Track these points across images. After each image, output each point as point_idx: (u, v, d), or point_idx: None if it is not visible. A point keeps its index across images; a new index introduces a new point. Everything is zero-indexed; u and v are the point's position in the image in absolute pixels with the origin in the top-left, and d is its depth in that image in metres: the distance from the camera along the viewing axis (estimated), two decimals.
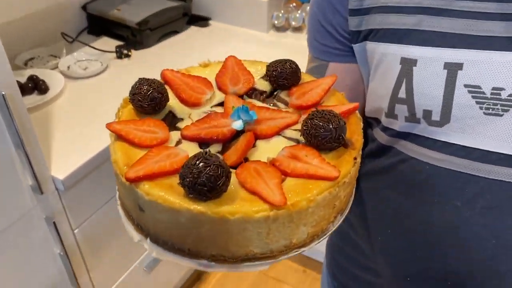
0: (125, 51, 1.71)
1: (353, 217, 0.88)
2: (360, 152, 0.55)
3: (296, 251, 0.52)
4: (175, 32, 1.92)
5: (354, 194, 0.77)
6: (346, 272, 0.95)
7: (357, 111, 0.60)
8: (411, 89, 0.65)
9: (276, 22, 1.90)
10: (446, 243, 0.71)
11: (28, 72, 1.49)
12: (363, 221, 0.85)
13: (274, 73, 0.62)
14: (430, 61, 0.64)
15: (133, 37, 1.78)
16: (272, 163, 0.53)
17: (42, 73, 1.50)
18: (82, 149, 1.22)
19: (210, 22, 2.03)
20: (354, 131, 0.56)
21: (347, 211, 0.56)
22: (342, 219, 0.55)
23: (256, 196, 0.48)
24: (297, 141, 0.56)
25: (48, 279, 1.20)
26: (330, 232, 0.54)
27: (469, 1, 0.61)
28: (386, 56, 0.67)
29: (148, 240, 0.53)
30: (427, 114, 0.65)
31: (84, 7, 1.86)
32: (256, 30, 1.95)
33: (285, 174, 0.51)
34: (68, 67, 1.64)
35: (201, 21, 2.02)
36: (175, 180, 0.49)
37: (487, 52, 0.60)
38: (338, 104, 0.60)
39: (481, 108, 0.62)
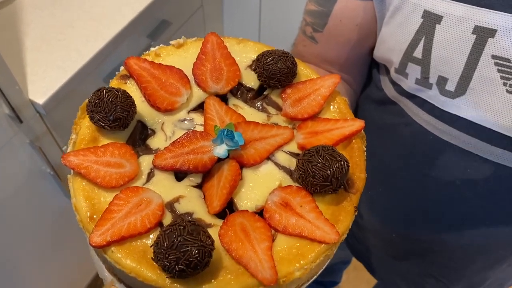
0: None
1: None
2: (360, 194, 0.47)
3: None
4: None
5: None
6: None
7: (362, 131, 0.50)
8: (429, 50, 0.57)
9: None
10: (438, 215, 0.70)
11: None
12: None
13: (265, 73, 0.51)
14: (458, 21, 0.54)
15: None
16: (261, 210, 0.46)
17: None
18: (60, 64, 1.01)
19: None
20: (357, 165, 0.48)
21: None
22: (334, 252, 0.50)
23: (243, 267, 0.42)
24: (290, 172, 0.48)
25: (45, 195, 1.17)
26: (318, 274, 0.50)
27: None
28: (407, 4, 0.56)
29: (122, 285, 0.48)
30: (442, 81, 0.57)
31: None
32: None
33: (275, 230, 0.45)
34: None
35: None
36: (147, 242, 0.43)
37: None
38: (339, 119, 0.50)
39: (505, 84, 0.54)
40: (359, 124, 0.49)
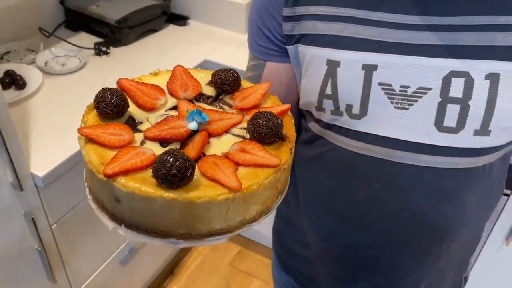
0: (104, 48, 1.73)
1: (291, 200, 1.00)
2: (294, 144, 0.67)
3: (248, 226, 0.64)
4: (154, 30, 1.97)
5: (291, 180, 0.89)
6: (288, 251, 1.09)
7: (289, 111, 0.72)
8: (336, 86, 0.75)
9: None
10: (368, 218, 0.84)
11: (5, 66, 1.49)
12: (298, 202, 0.97)
13: (219, 80, 0.73)
14: (351, 63, 0.73)
15: (112, 34, 1.80)
16: (226, 156, 0.64)
17: (19, 68, 1.51)
18: (61, 146, 1.24)
19: (189, 21, 2.08)
20: (288, 128, 0.69)
21: (285, 192, 0.69)
22: (282, 198, 0.68)
23: (216, 182, 0.59)
24: (243, 137, 0.68)
25: (25, 272, 1.23)
26: (273, 209, 0.66)
27: (383, 13, 0.71)
28: (315, 58, 0.77)
29: (123, 226, 0.62)
30: (349, 108, 0.75)
31: (62, 2, 1.87)
32: (234, 31, 2.01)
33: (237, 164, 0.62)
34: (46, 63, 1.65)
35: (180, 20, 2.06)
36: (145, 174, 0.59)
37: (396, 56, 0.70)
38: (273, 105, 0.72)
39: (391, 102, 0.72)
40: (287, 106, 0.71)
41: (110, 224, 0.63)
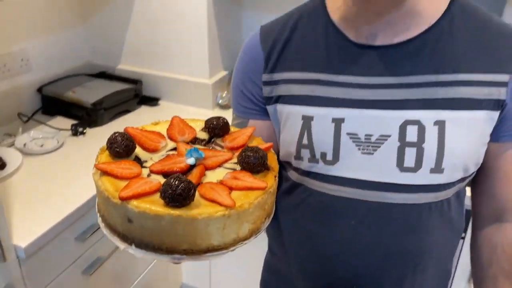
0: (80, 129, 1.88)
1: (276, 248, 1.09)
2: (277, 173, 0.79)
3: (241, 244, 0.74)
4: (127, 111, 2.14)
5: (276, 228, 0.97)
6: None
7: (271, 149, 0.85)
8: (311, 137, 0.86)
9: (220, 101, 2.20)
10: (348, 254, 0.92)
11: None
12: (284, 249, 1.06)
13: (212, 125, 0.86)
14: (322, 117, 0.85)
15: (87, 116, 1.96)
16: (221, 182, 0.75)
17: None
18: (41, 219, 1.35)
19: (160, 102, 2.27)
20: (272, 160, 0.81)
21: (272, 215, 0.80)
22: (269, 220, 0.78)
23: (214, 202, 0.70)
24: (234, 169, 0.79)
25: None
26: (262, 230, 0.77)
27: (345, 76, 0.84)
28: (292, 114, 0.91)
29: (133, 245, 0.71)
30: (323, 155, 0.86)
31: (39, 90, 2.03)
32: (202, 108, 2.20)
33: (231, 188, 0.73)
34: (25, 145, 1.77)
35: (151, 101, 2.25)
36: (153, 198, 0.70)
37: (359, 110, 0.82)
38: (258, 144, 0.85)
39: (359, 149, 0.83)
40: (270, 144, 0.84)
41: (121, 245, 0.72)
